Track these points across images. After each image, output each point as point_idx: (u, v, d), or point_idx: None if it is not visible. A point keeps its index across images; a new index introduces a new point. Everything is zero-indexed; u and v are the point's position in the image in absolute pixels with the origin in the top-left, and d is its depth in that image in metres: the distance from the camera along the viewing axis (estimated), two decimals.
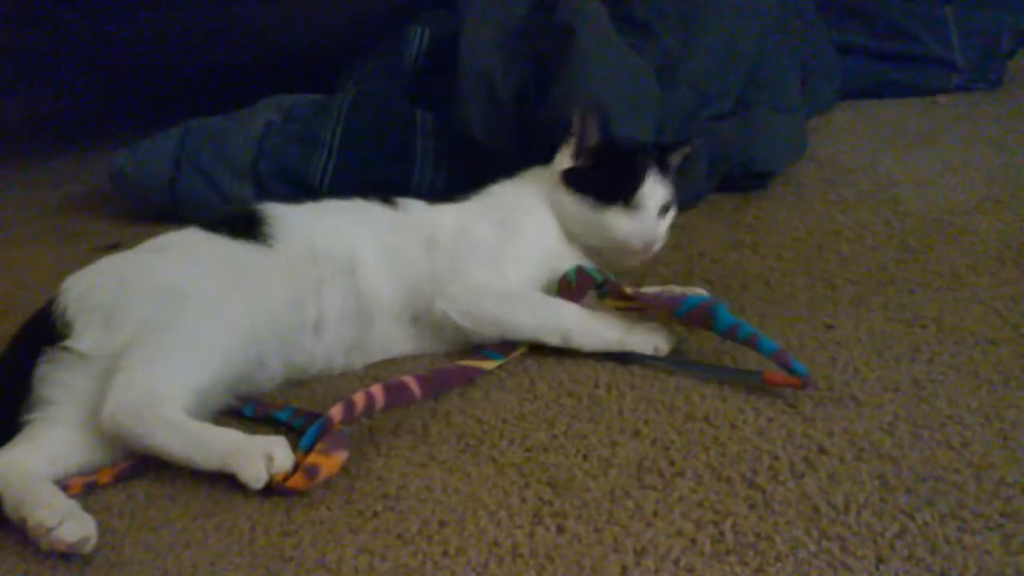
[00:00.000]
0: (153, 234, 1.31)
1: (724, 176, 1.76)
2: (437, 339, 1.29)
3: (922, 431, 1.01)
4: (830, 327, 1.25)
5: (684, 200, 1.71)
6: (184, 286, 1.16)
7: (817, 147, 1.94)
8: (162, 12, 2.10)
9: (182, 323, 1.13)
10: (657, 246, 1.35)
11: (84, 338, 1.11)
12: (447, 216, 1.34)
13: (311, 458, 1.01)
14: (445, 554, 0.90)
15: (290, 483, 0.99)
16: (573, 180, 1.36)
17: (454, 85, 1.80)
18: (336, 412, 1.07)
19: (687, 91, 1.83)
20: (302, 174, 1.81)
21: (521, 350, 1.26)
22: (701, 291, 1.34)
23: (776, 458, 1.00)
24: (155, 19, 2.10)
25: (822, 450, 1.00)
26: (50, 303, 1.15)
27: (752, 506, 0.93)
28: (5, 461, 1.03)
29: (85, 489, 1.04)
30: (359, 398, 1.09)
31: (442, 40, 1.96)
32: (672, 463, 1.00)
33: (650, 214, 1.33)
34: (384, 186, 1.48)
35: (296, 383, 1.25)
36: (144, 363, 1.09)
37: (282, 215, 1.29)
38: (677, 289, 1.36)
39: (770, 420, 1.06)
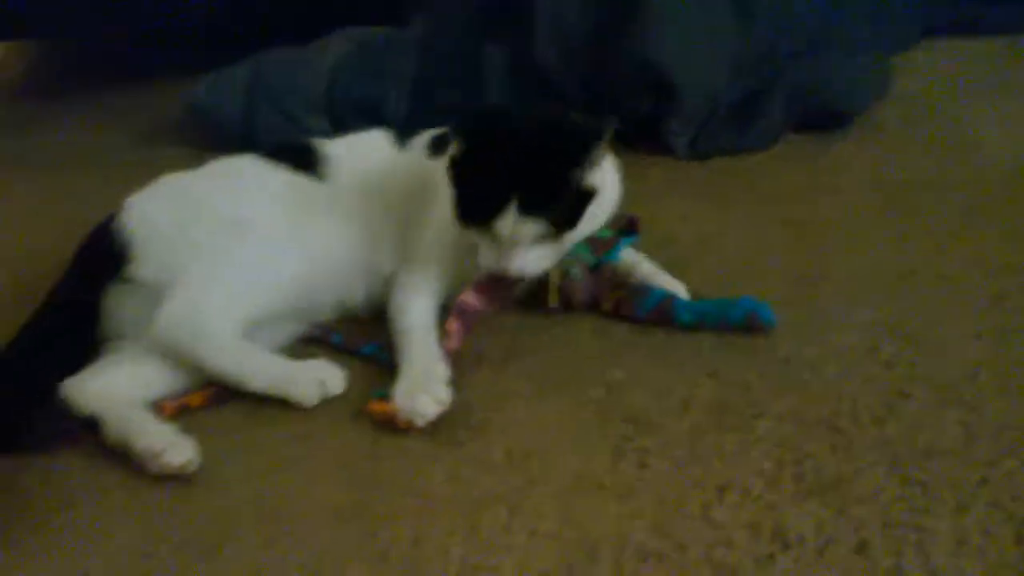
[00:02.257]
0: None
1: (801, 116, 1.73)
2: None
3: (1005, 380, 1.01)
4: (912, 273, 1.24)
5: (761, 139, 1.71)
6: (243, 220, 1.19)
7: (898, 87, 1.89)
8: None
9: (239, 256, 1.16)
10: (529, 272, 1.13)
11: (145, 266, 1.14)
12: None
13: None
14: (530, 482, 0.92)
15: (402, 423, 1.02)
16: (454, 174, 1.13)
17: (527, 21, 1.79)
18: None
19: (763, 28, 1.79)
20: (376, 106, 1.82)
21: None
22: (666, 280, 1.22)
23: (856, 401, 1.00)
24: None
25: (903, 395, 1.00)
26: (111, 223, 1.19)
27: (833, 448, 0.94)
28: (99, 388, 1.08)
29: (178, 412, 1.08)
30: (451, 329, 1.13)
31: None
32: (752, 404, 1.01)
33: (509, 251, 1.10)
34: (457, 118, 1.47)
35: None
36: (197, 286, 1.12)
37: (332, 152, 1.29)
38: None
39: (850, 364, 1.07)
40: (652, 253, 1.28)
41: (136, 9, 2.14)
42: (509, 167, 1.08)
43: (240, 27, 2.22)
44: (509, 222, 1.07)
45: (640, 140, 1.67)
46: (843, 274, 1.26)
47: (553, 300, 1.19)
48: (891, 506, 0.85)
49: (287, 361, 1.11)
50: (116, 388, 1.08)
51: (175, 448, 0.99)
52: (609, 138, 1.10)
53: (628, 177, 1.27)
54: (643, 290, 1.19)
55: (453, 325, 1.13)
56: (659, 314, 1.16)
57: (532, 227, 1.08)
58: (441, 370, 1.06)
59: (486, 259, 1.12)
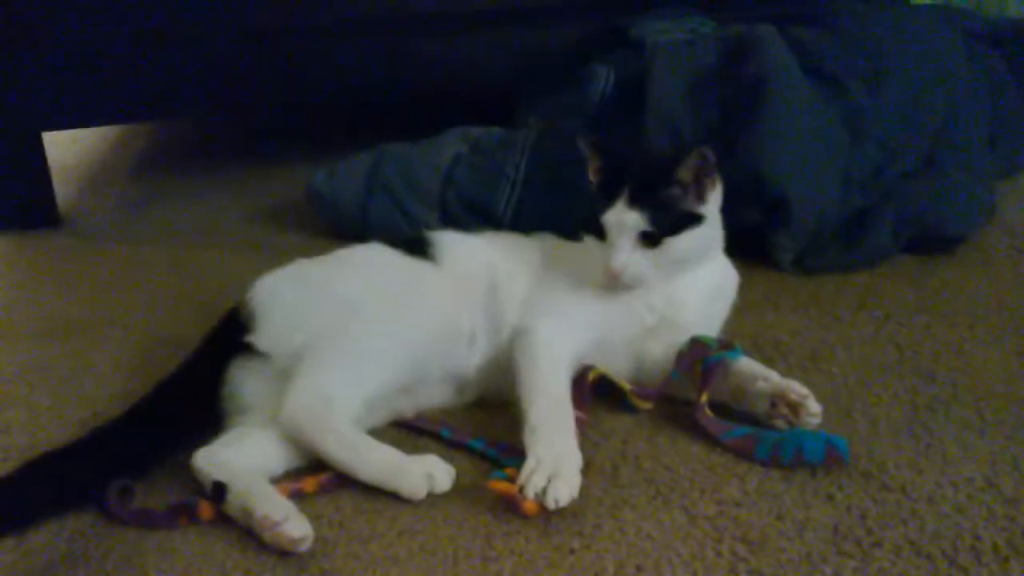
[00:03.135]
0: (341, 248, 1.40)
1: (911, 237, 1.73)
2: None
3: None
4: None
5: (867, 258, 1.71)
6: (359, 299, 1.26)
7: (1005, 212, 1.88)
8: (356, 46, 2.23)
9: (355, 334, 1.22)
10: (629, 277, 1.23)
11: (266, 336, 1.21)
12: None
13: None
14: None
15: (526, 507, 1.03)
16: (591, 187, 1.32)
17: (639, 129, 1.83)
18: None
19: (874, 147, 1.81)
20: (486, 205, 1.88)
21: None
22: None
23: (978, 538, 0.98)
24: (349, 52, 2.22)
25: None
26: (242, 301, 1.27)
27: None
28: (225, 458, 1.12)
29: (292, 495, 1.10)
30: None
31: (627, 81, 1.99)
32: (869, 532, 1.00)
33: (615, 244, 1.23)
34: (564, 222, 1.51)
35: (472, 409, 1.31)
36: (320, 371, 1.18)
37: (448, 240, 1.39)
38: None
39: (970, 497, 1.05)
40: None
41: (261, 94, 2.24)
42: (627, 167, 1.26)
43: (362, 120, 2.32)
44: (617, 210, 1.22)
45: (744, 251, 1.68)
46: (960, 403, 1.24)
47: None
48: None
49: (399, 454, 1.14)
50: (242, 460, 1.12)
51: (294, 521, 1.02)
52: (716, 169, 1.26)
53: None
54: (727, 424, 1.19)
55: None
56: (742, 444, 1.16)
57: (637, 217, 1.21)
58: (578, 457, 1.08)
59: (596, 261, 1.24)
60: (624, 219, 1.22)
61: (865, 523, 1.01)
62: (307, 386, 1.16)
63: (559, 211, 1.71)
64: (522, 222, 1.76)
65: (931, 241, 1.75)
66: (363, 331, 1.22)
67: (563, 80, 2.14)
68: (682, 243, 1.24)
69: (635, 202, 1.22)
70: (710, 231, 1.28)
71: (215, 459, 1.12)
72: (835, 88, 1.85)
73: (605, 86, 2.03)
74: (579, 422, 1.16)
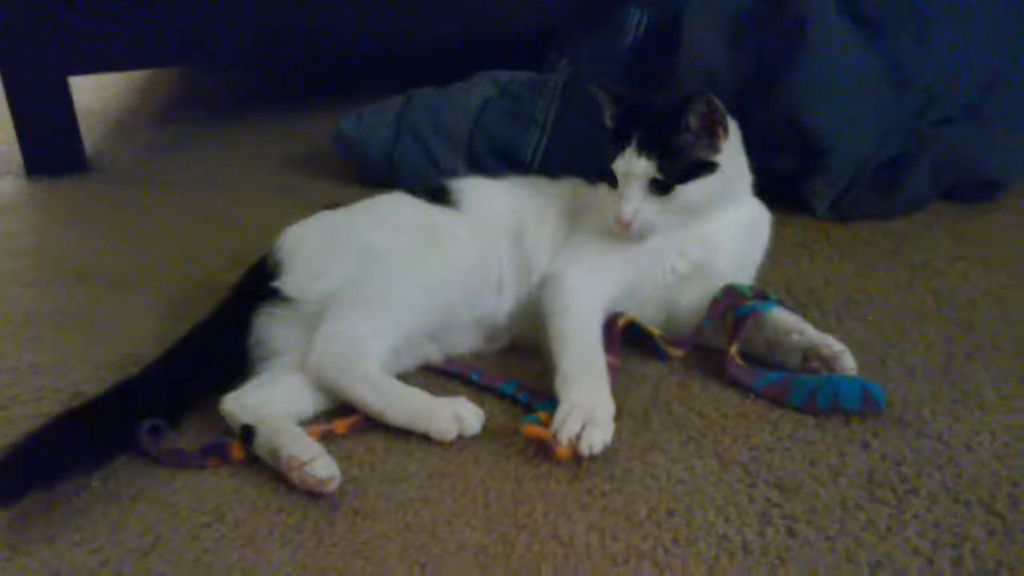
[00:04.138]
0: (368, 196, 1.39)
1: (950, 184, 1.69)
2: None
3: None
4: None
5: (905, 205, 1.67)
6: (384, 246, 1.26)
7: None
8: None
9: (380, 280, 1.22)
10: (638, 226, 1.21)
11: (291, 281, 1.22)
12: None
13: None
14: (675, 542, 0.91)
15: (559, 452, 1.03)
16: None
17: (672, 72, 1.80)
18: None
19: (916, 93, 1.76)
20: (514, 150, 1.85)
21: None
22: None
23: (1016, 485, 0.97)
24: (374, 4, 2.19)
25: None
26: (269, 249, 1.28)
27: (991, 533, 0.90)
28: (254, 402, 1.13)
29: (323, 437, 1.10)
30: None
31: (660, 26, 1.95)
32: (904, 479, 0.99)
33: (624, 192, 1.21)
34: (592, 168, 1.49)
35: (502, 354, 1.30)
36: (346, 317, 1.18)
37: (472, 187, 1.38)
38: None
39: (1006, 445, 1.03)
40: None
41: (290, 42, 2.22)
42: (638, 114, 1.23)
43: (391, 67, 2.30)
44: (626, 157, 1.20)
45: (779, 197, 1.65)
46: (999, 351, 1.22)
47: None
48: None
49: (428, 397, 1.13)
50: (271, 403, 1.13)
51: (321, 461, 1.02)
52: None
53: None
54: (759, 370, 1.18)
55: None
56: (777, 390, 1.14)
57: (645, 164, 1.19)
58: (611, 404, 1.08)
59: (607, 210, 1.22)
60: (633, 166, 1.20)
61: (900, 470, 1.00)
62: (334, 333, 1.16)
63: (587, 157, 1.68)
64: (550, 168, 1.74)
65: (970, 188, 1.71)
66: (388, 278, 1.22)
67: (595, 24, 2.10)
68: (693, 191, 1.20)
69: (644, 149, 1.19)
70: (725, 178, 1.23)
71: (244, 402, 1.12)
72: (876, 32, 1.80)
73: (637, 29, 1.99)
74: (610, 368, 1.15)
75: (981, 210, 1.66)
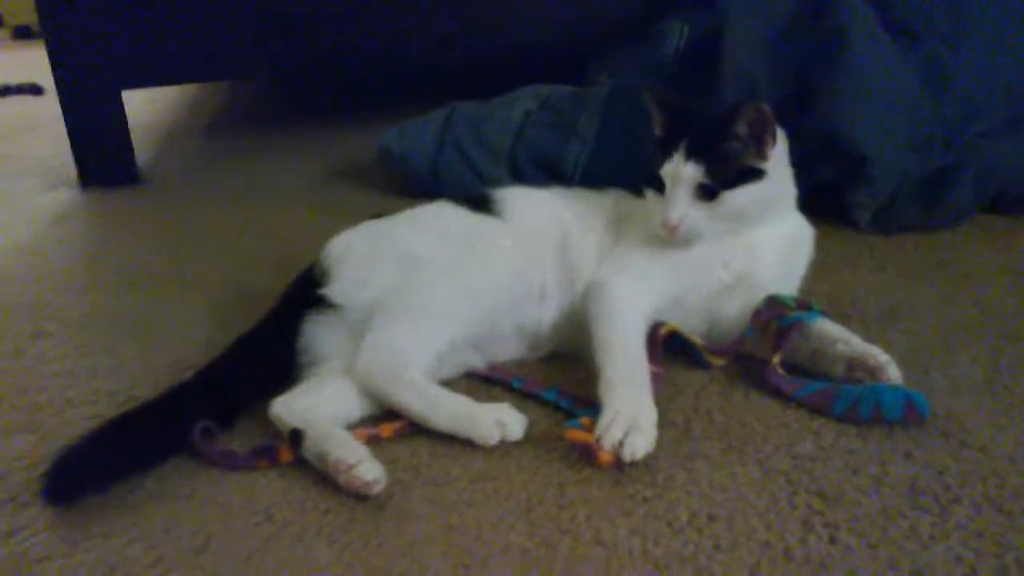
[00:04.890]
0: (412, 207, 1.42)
1: (993, 197, 1.68)
2: None
3: None
4: None
5: (947, 218, 1.67)
6: (428, 254, 1.28)
7: None
8: (428, 10, 2.23)
9: (424, 289, 1.24)
10: (685, 230, 1.23)
11: (338, 289, 1.25)
12: None
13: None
14: (717, 548, 0.92)
15: (602, 457, 1.04)
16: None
17: (713, 86, 1.81)
18: None
19: (955, 104, 1.76)
20: (555, 163, 1.88)
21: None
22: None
23: None
24: (421, 11, 2.22)
25: None
26: (317, 258, 1.31)
27: None
28: (303, 406, 1.15)
29: (369, 441, 1.13)
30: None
31: (701, 38, 1.96)
32: (947, 488, 0.99)
33: (671, 196, 1.22)
34: (634, 180, 1.50)
35: (545, 362, 1.32)
36: (391, 326, 1.21)
37: (515, 196, 1.40)
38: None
39: None
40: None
41: (334, 58, 2.26)
42: (687, 121, 1.26)
43: (435, 81, 2.33)
44: (674, 162, 1.21)
45: (821, 209, 1.65)
46: None
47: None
48: None
49: (471, 403, 1.15)
50: (318, 408, 1.16)
51: (367, 464, 1.04)
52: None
53: None
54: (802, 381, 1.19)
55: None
56: (818, 400, 1.15)
57: (693, 169, 1.20)
58: (654, 412, 1.09)
59: (655, 215, 1.24)
60: (681, 171, 1.21)
61: (943, 480, 1.00)
62: (379, 342, 1.19)
63: (630, 169, 1.70)
64: (592, 180, 1.75)
65: (1013, 201, 1.70)
66: (431, 287, 1.24)
67: (636, 37, 2.12)
68: (740, 197, 1.22)
69: (692, 155, 1.21)
70: (772, 187, 1.24)
71: (292, 407, 1.15)
72: (915, 43, 1.80)
73: (679, 42, 2.01)
74: (653, 377, 1.16)
75: (1023, 223, 1.65)
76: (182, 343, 1.41)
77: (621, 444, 1.04)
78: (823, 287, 1.45)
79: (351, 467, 1.04)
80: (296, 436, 1.10)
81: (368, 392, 1.18)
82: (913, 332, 1.31)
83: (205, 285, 1.63)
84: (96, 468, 1.06)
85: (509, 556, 0.93)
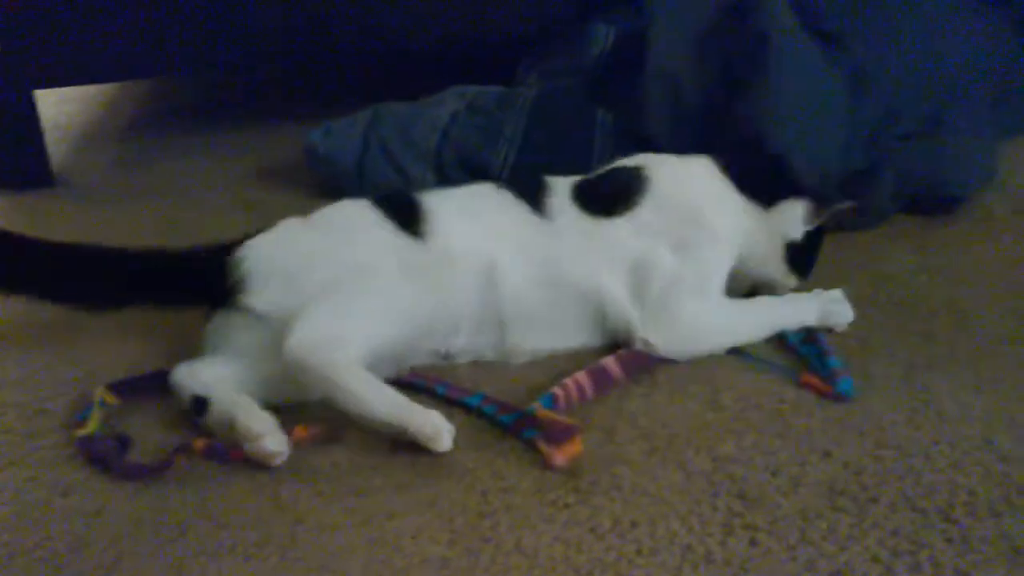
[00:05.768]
0: None
1: (911, 198, 1.72)
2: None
3: None
4: None
5: (867, 219, 1.69)
6: (371, 264, 1.22)
7: (1007, 172, 1.86)
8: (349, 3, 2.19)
9: (368, 290, 1.20)
10: None
11: (261, 297, 1.18)
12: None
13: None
14: (639, 553, 0.92)
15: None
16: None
17: (638, 87, 1.82)
18: (538, 406, 1.12)
19: (876, 107, 1.79)
20: (482, 164, 1.86)
21: None
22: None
23: (972, 493, 0.98)
24: (344, 6, 2.18)
25: (1021, 491, 0.98)
26: (223, 256, 1.23)
27: (949, 540, 0.92)
28: (207, 376, 1.15)
29: None
30: (570, 386, 1.16)
31: (628, 40, 1.97)
32: (864, 488, 1.00)
33: None
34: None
35: (481, 368, 1.29)
36: (329, 311, 1.16)
37: (436, 208, 1.30)
38: None
39: (965, 454, 1.05)
40: None
41: (255, 52, 2.21)
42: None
43: (359, 80, 2.30)
44: None
45: None
46: (958, 361, 1.24)
47: None
48: None
49: (403, 397, 1.11)
50: (225, 381, 1.15)
51: (274, 437, 1.06)
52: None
53: None
54: None
55: (584, 380, 1.18)
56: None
57: None
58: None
59: None
60: None
61: (861, 479, 1.01)
62: (318, 321, 1.13)
63: (556, 172, 1.70)
64: (517, 179, 1.74)
65: (930, 202, 1.73)
66: (374, 291, 1.20)
67: (564, 39, 2.11)
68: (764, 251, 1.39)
69: None
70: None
71: (197, 375, 1.15)
72: (837, 47, 1.83)
73: (605, 44, 2.01)
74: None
75: (940, 223, 1.69)
76: (95, 355, 1.36)
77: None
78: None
79: (257, 437, 1.05)
80: (199, 404, 1.11)
81: (295, 371, 1.11)
82: (836, 334, 1.33)
83: None
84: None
85: (429, 567, 0.92)
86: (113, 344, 1.39)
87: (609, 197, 1.34)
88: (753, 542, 0.93)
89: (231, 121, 2.55)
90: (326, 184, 1.97)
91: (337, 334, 1.14)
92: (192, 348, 1.23)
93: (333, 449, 1.11)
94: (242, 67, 2.56)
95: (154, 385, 1.22)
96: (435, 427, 1.07)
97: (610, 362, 1.21)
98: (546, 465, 1.05)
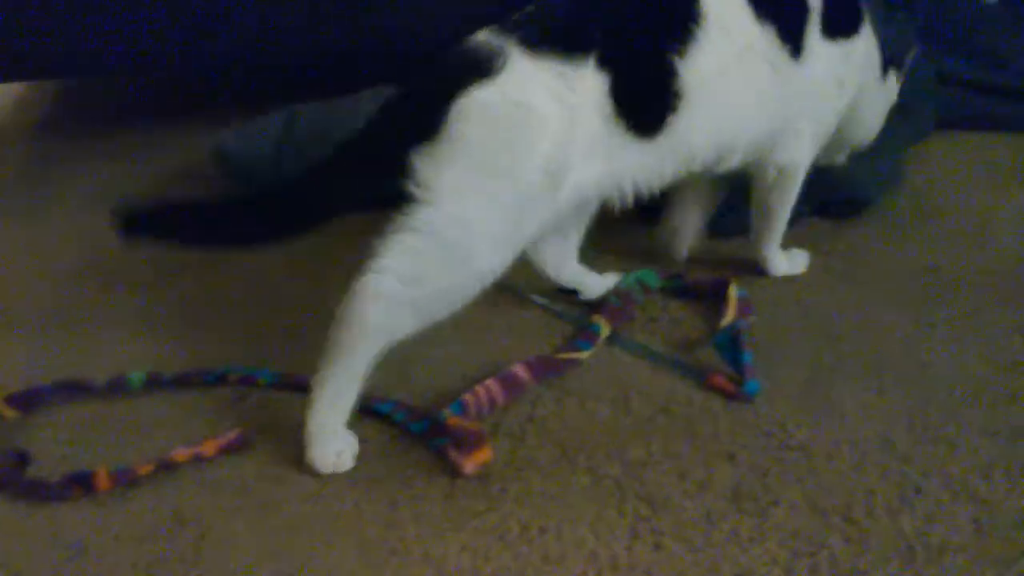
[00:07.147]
0: None
1: (821, 201, 1.75)
2: None
3: (1019, 479, 1.02)
4: (928, 365, 1.25)
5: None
6: None
7: (911, 178, 1.92)
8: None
9: None
10: None
11: None
12: None
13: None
14: (546, 560, 0.93)
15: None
16: None
17: None
18: (448, 413, 1.11)
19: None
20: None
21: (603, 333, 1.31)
22: None
23: (871, 493, 1.01)
24: (260, 8, 2.14)
25: (918, 490, 1.01)
26: None
27: (848, 540, 0.94)
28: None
29: (192, 459, 1.08)
30: (480, 393, 1.16)
31: None
32: (768, 490, 1.02)
33: None
34: None
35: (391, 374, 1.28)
36: None
37: None
38: None
39: (864, 454, 1.08)
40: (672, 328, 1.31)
41: (164, 54, 2.16)
42: None
43: (272, 81, 2.26)
44: None
45: (653, 213, 1.68)
46: (861, 363, 1.27)
47: None
48: None
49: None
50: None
51: None
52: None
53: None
54: None
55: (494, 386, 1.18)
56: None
57: None
58: None
59: None
60: None
61: (765, 481, 1.03)
62: None
63: None
64: None
65: (837, 206, 1.78)
66: None
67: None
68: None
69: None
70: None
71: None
72: None
73: None
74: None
75: (847, 226, 1.73)
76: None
77: None
78: None
79: None
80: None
81: None
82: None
83: (19, 309, 1.53)
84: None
85: None
86: (20, 363, 1.34)
87: None
88: (658, 546, 0.94)
89: (144, 122, 2.49)
90: (239, 186, 1.93)
91: None
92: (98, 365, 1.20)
93: (241, 459, 1.09)
94: (152, 69, 2.50)
95: (55, 397, 1.18)
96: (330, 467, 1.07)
97: (520, 369, 1.21)
98: (455, 472, 1.05)
